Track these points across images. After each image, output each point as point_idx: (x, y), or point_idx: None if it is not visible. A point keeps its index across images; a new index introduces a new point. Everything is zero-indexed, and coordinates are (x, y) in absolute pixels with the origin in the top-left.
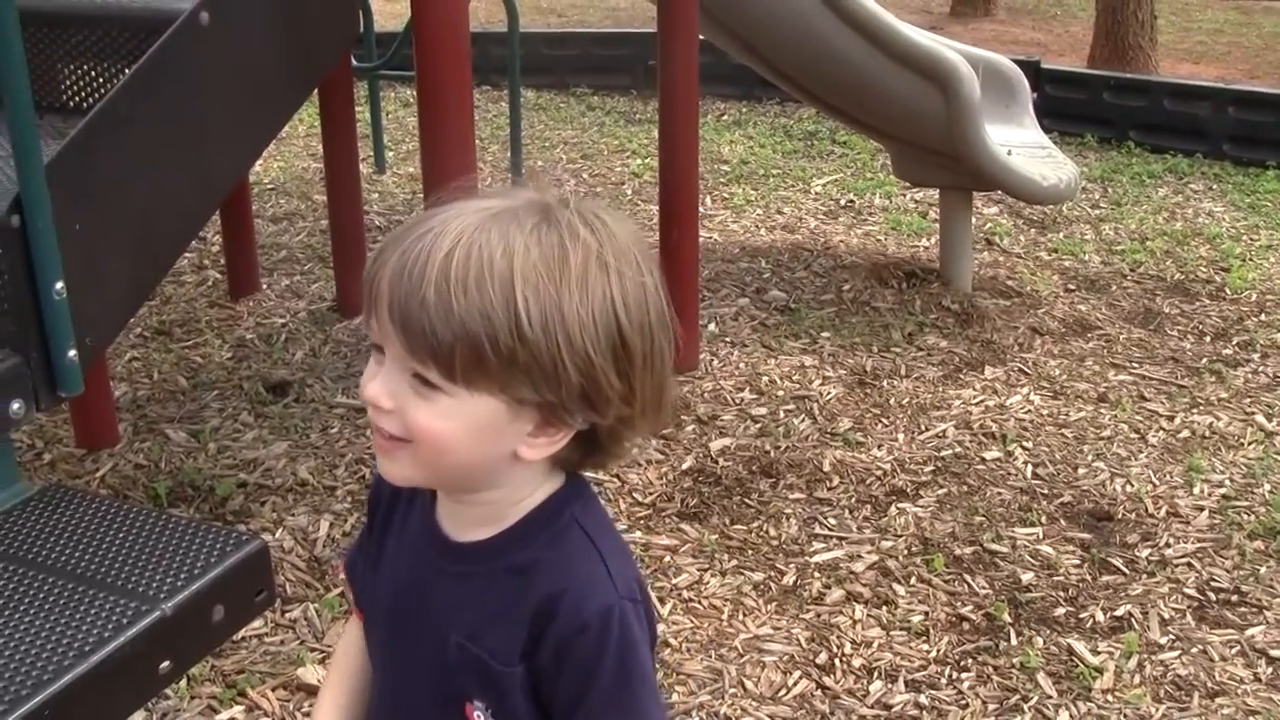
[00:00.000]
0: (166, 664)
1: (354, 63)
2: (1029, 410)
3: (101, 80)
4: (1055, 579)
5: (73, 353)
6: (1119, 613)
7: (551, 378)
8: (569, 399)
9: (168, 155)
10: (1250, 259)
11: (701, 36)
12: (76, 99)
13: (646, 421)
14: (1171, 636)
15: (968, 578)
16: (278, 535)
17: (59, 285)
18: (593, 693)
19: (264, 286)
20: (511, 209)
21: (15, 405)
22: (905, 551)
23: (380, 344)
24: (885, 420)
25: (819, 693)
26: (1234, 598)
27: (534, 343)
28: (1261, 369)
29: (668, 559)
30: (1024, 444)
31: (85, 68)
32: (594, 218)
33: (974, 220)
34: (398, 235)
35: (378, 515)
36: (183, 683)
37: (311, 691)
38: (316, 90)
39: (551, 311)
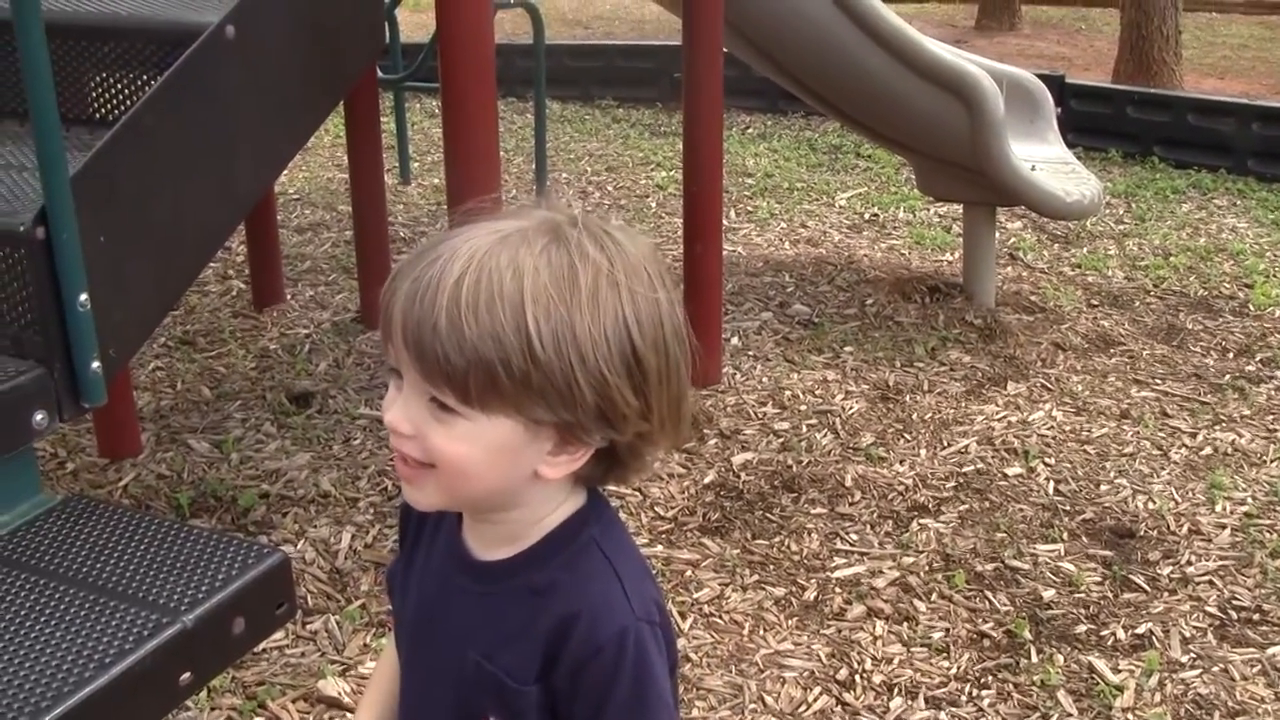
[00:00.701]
0: (187, 676)
1: (380, 74)
2: (1051, 426)
3: (128, 93)
4: (1076, 596)
5: (96, 364)
6: (1140, 631)
7: (567, 398)
8: (585, 418)
9: (193, 168)
10: (1274, 275)
11: (726, 50)
12: (103, 111)
13: (665, 436)
14: (1193, 655)
15: (989, 594)
16: (299, 547)
17: (83, 297)
18: (605, 716)
19: (288, 297)
20: (522, 230)
21: (39, 416)
22: (926, 568)
23: (397, 369)
24: (907, 435)
25: (839, 709)
26: (1255, 616)
27: (547, 364)
28: None
29: (689, 573)
30: (1046, 460)
31: (112, 80)
32: (604, 235)
33: (997, 235)
34: (410, 262)
35: (409, 531)
36: (203, 694)
37: (332, 704)
38: (342, 101)
39: (563, 332)
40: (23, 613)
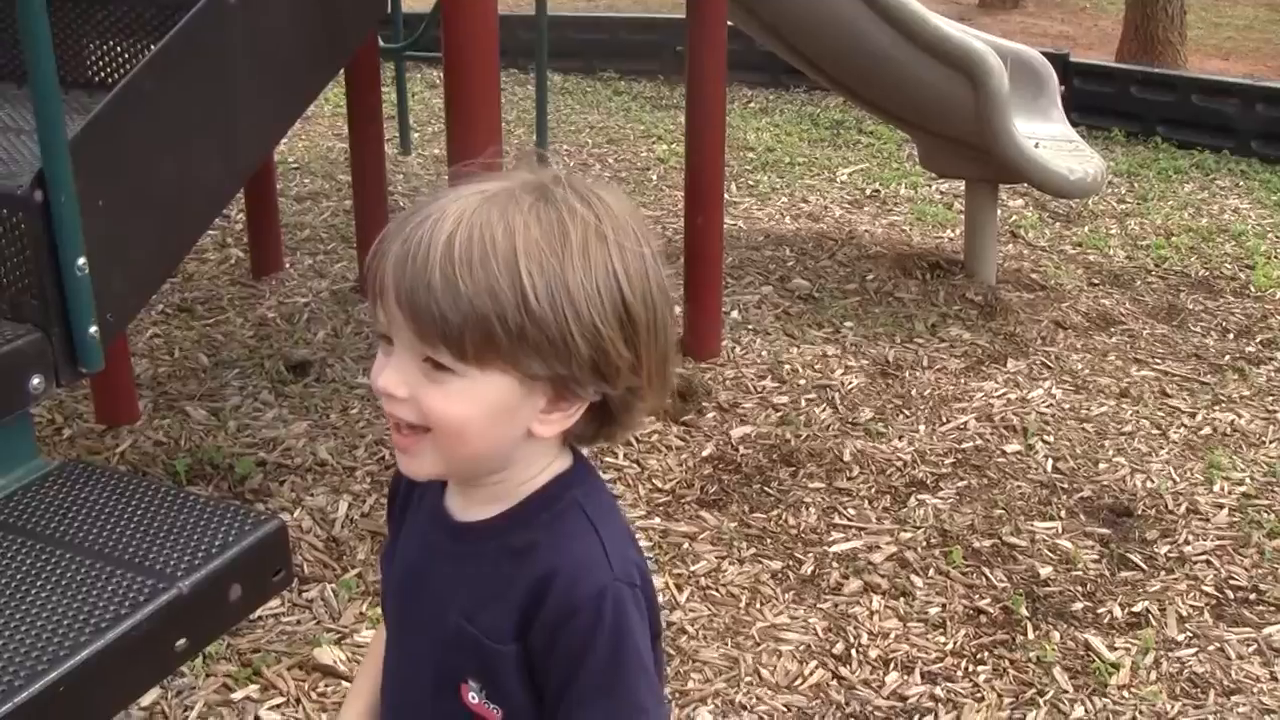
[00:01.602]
0: (183, 642)
1: (381, 43)
2: (1050, 404)
3: (127, 56)
4: (1073, 574)
5: (94, 329)
6: (1136, 609)
7: (561, 351)
8: (580, 371)
9: (192, 133)
10: (1275, 256)
11: (730, 23)
12: (102, 75)
13: (653, 391)
14: (1189, 634)
15: (986, 571)
16: (296, 515)
17: (81, 261)
18: (581, 676)
19: (287, 265)
20: (508, 189)
21: (35, 380)
22: (924, 543)
23: (388, 334)
24: (906, 411)
25: (835, 683)
26: (1252, 596)
27: (541, 317)
28: None
29: (686, 546)
30: (1045, 438)
31: (112, 43)
32: (590, 193)
33: (999, 213)
34: (397, 225)
35: (397, 503)
36: (198, 661)
37: (327, 672)
38: (343, 70)
39: (556, 285)
40: (19, 577)
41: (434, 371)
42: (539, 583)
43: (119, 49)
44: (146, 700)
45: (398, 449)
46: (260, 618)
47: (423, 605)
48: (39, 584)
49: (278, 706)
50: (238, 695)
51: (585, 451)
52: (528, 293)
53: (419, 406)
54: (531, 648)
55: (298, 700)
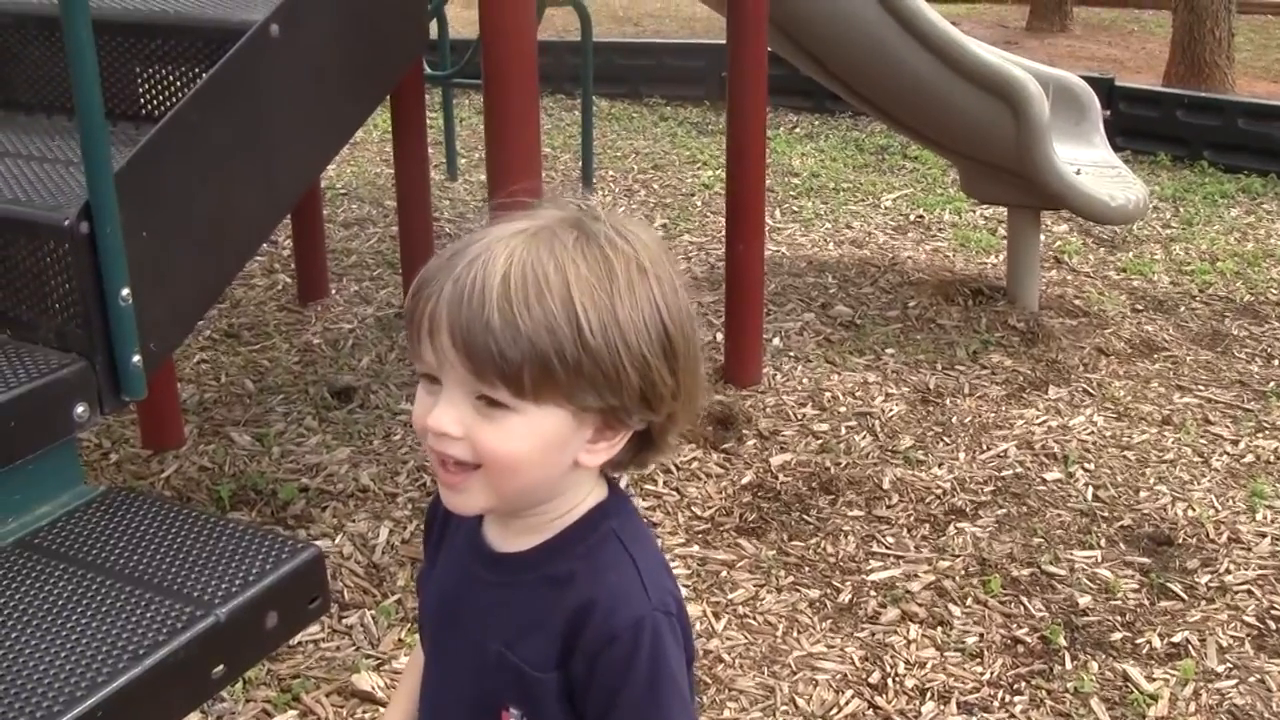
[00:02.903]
0: (220, 668)
1: (427, 70)
2: (1092, 431)
3: (174, 89)
4: (1113, 603)
5: (137, 358)
6: (1176, 639)
7: (614, 382)
8: (629, 401)
9: (236, 164)
10: None
11: (771, 50)
12: (149, 106)
13: (686, 414)
14: (1229, 665)
15: (1024, 600)
16: (337, 541)
17: (125, 291)
18: (620, 703)
19: (333, 291)
20: (547, 228)
21: (80, 409)
22: (962, 572)
23: (434, 374)
24: (947, 439)
25: (871, 712)
26: None
27: (597, 350)
28: None
29: (724, 574)
30: (1085, 465)
31: (159, 76)
32: (624, 227)
33: (1042, 238)
34: (439, 265)
35: (433, 533)
36: (238, 686)
37: (366, 698)
38: (390, 96)
39: (608, 319)
40: (60, 602)
41: (487, 409)
42: (578, 612)
43: (165, 81)
44: None
45: (445, 486)
46: (300, 643)
47: (462, 633)
48: (80, 609)
49: None
50: None
51: (623, 480)
52: (583, 327)
53: (474, 444)
54: (572, 675)
55: None
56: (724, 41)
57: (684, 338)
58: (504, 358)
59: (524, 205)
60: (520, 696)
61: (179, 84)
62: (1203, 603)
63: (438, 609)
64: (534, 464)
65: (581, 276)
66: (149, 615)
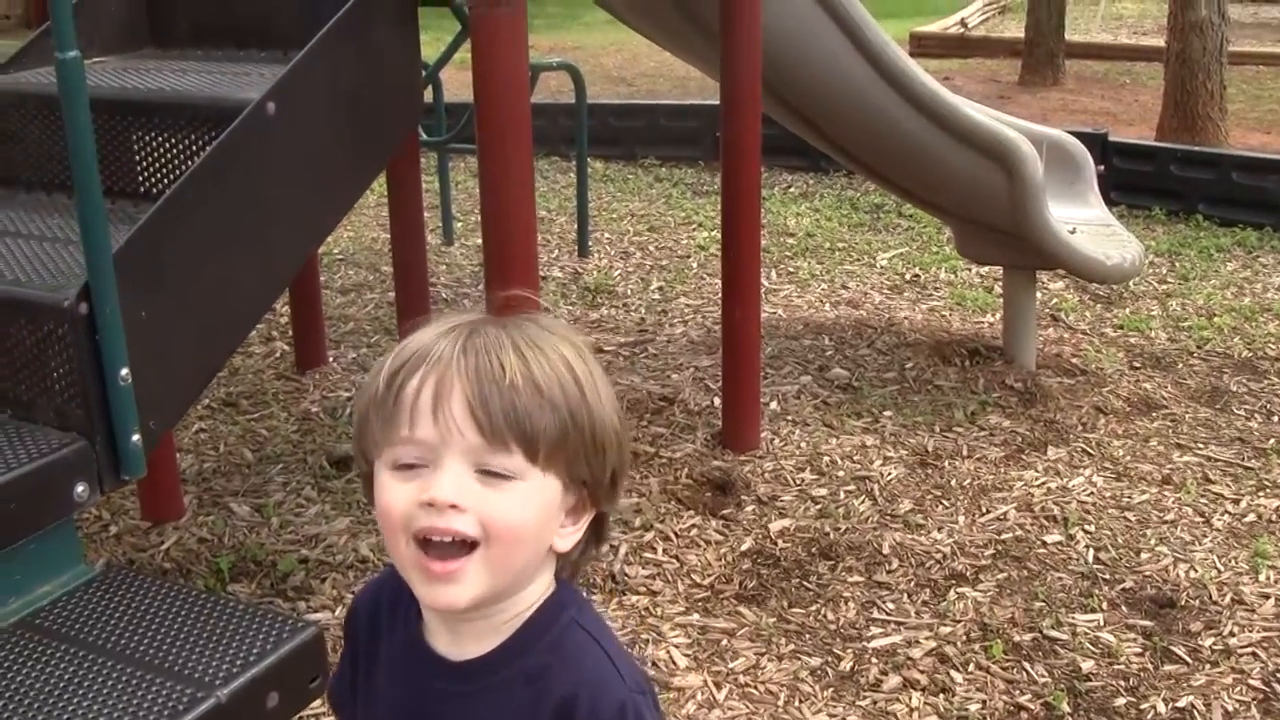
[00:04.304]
0: None
1: (423, 135)
2: (1091, 492)
3: (172, 166)
4: (1116, 668)
5: (136, 437)
6: (1181, 704)
7: (600, 454)
8: (603, 475)
9: (234, 242)
10: None
11: (765, 112)
12: (147, 185)
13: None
14: None
15: (1026, 665)
16: (338, 613)
17: (124, 371)
18: None
19: (330, 359)
20: (487, 321)
21: (80, 488)
22: (964, 637)
23: (419, 458)
24: (946, 502)
25: None
26: None
27: (596, 419)
28: None
29: (725, 642)
30: (1086, 527)
31: (157, 154)
32: (553, 321)
33: (1039, 296)
34: (424, 345)
35: (359, 646)
36: None
37: None
38: None
39: (604, 390)
40: (62, 684)
41: (491, 480)
42: (561, 705)
43: (163, 159)
44: None
45: (434, 580)
46: (300, 718)
47: None
48: (82, 691)
49: None
50: None
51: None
52: (587, 394)
53: (481, 514)
54: None
55: None
56: (718, 102)
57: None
58: (528, 418)
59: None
60: None
61: (177, 162)
62: (1207, 666)
63: None
64: (533, 534)
65: (572, 350)
66: (150, 697)
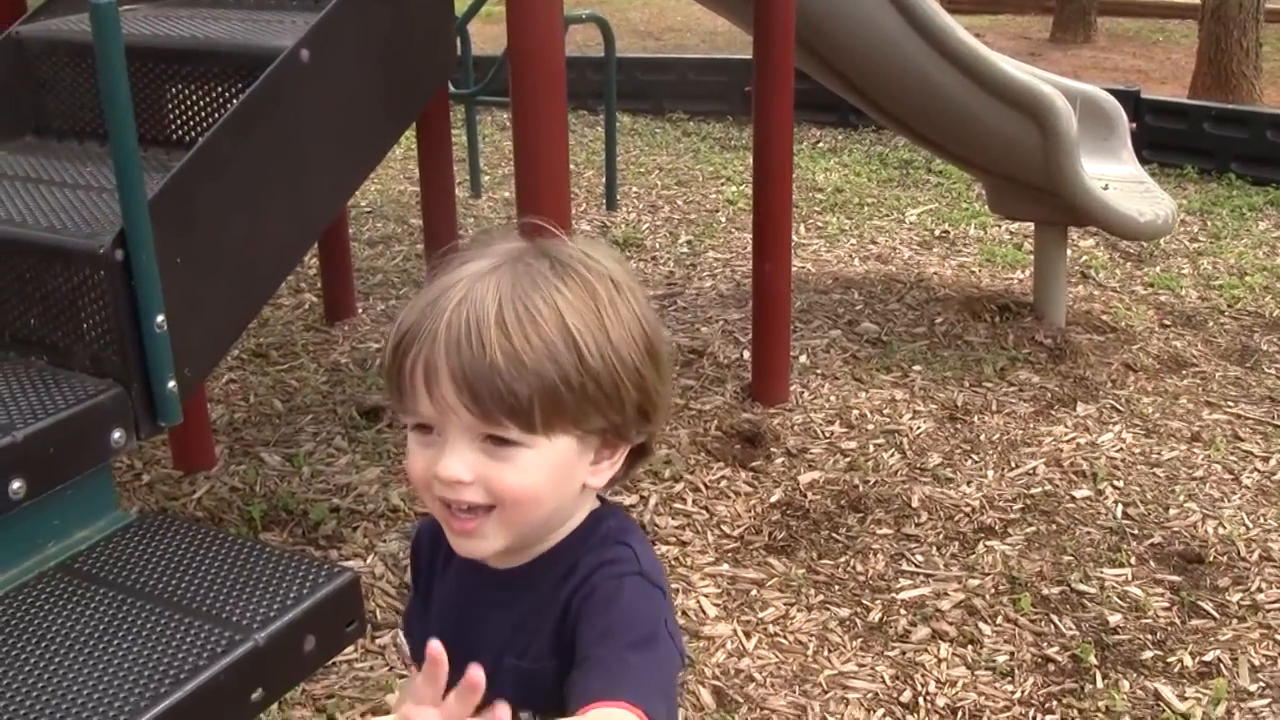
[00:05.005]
0: (258, 692)
1: (451, 88)
2: (1121, 448)
3: (205, 115)
4: (1143, 621)
5: (172, 384)
6: (1208, 658)
7: (615, 400)
8: (630, 416)
9: (268, 190)
10: None
11: (796, 66)
12: (180, 132)
13: (666, 413)
14: (1261, 684)
15: (1054, 618)
16: (369, 561)
17: (160, 318)
18: (601, 624)
19: (359, 311)
20: (519, 260)
21: (117, 434)
22: (992, 590)
23: (429, 423)
24: (975, 456)
25: None
26: None
27: (598, 372)
28: None
29: (754, 592)
30: (1115, 483)
31: (190, 102)
32: (588, 250)
33: (1069, 253)
34: (421, 314)
35: (421, 572)
36: (274, 706)
37: None
38: None
39: (602, 340)
40: (101, 627)
41: (496, 448)
42: (574, 588)
43: (197, 107)
44: None
45: (457, 534)
46: (334, 664)
47: (474, 657)
48: (121, 634)
49: None
50: None
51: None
52: (583, 351)
53: (488, 486)
54: (565, 643)
55: None
56: (747, 56)
57: (661, 342)
58: (513, 395)
59: (563, 228)
60: (527, 697)
61: (209, 110)
62: (1234, 621)
63: (444, 637)
64: (548, 495)
65: (569, 302)
66: (189, 640)
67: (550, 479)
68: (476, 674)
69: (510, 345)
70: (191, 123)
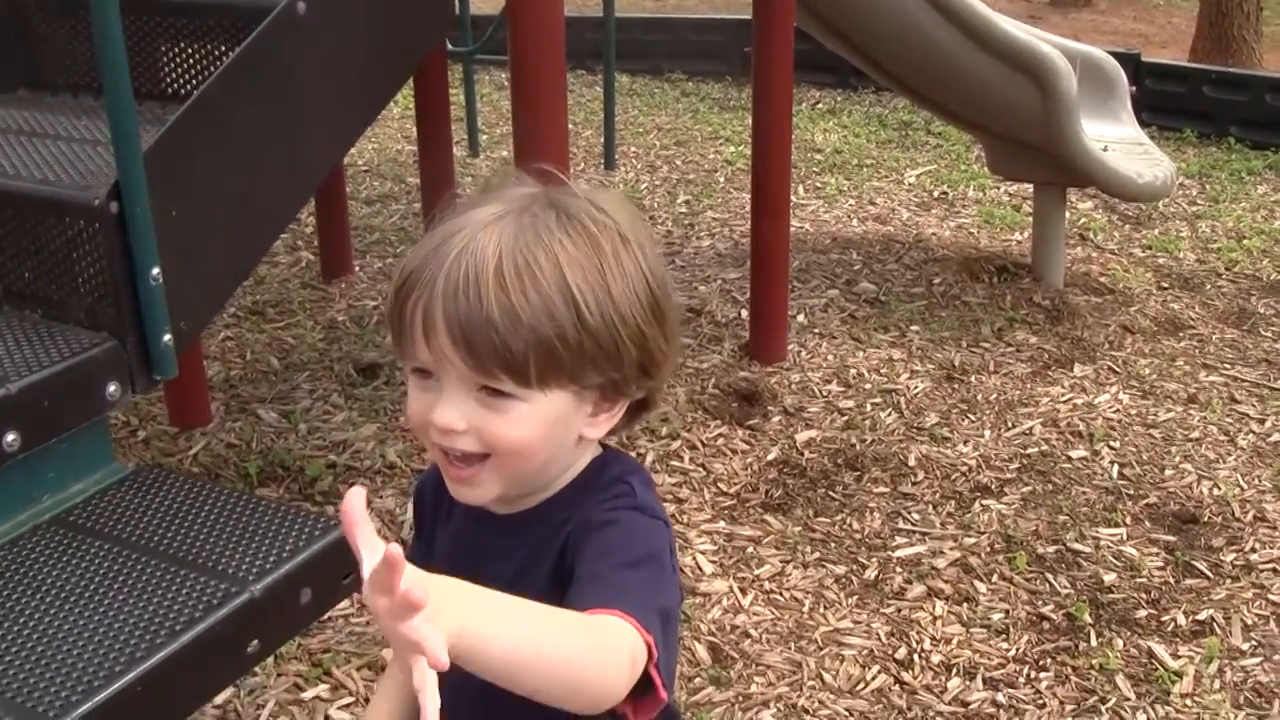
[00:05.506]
0: (255, 644)
1: (449, 47)
2: (1117, 409)
3: (200, 68)
4: (1138, 581)
5: (168, 337)
6: (1201, 617)
7: (614, 357)
8: (630, 373)
9: (264, 143)
10: None
11: (796, 25)
12: (175, 85)
13: (671, 368)
14: (1254, 643)
15: (1049, 577)
16: None
17: (155, 271)
18: (599, 547)
19: (356, 269)
20: (526, 209)
21: (112, 388)
22: (988, 549)
23: (429, 368)
24: (972, 416)
25: (897, 688)
26: None
27: (596, 329)
28: None
29: (751, 550)
30: (1111, 443)
31: (185, 55)
32: (599, 200)
33: (1068, 215)
34: (424, 260)
35: (424, 520)
36: (270, 660)
37: None
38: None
39: (603, 296)
40: (97, 579)
41: (491, 399)
42: (577, 523)
43: (192, 60)
44: (220, 700)
45: (454, 481)
46: (330, 618)
47: None
48: (117, 586)
49: (347, 706)
50: (308, 695)
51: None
52: (581, 308)
53: (481, 436)
54: (565, 577)
55: (366, 700)
56: (746, 16)
57: (668, 298)
58: (508, 350)
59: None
60: None
61: (205, 63)
62: (1228, 581)
63: None
64: (542, 447)
65: (572, 257)
66: (185, 592)
67: (545, 432)
68: (394, 551)
69: (507, 299)
70: (187, 76)
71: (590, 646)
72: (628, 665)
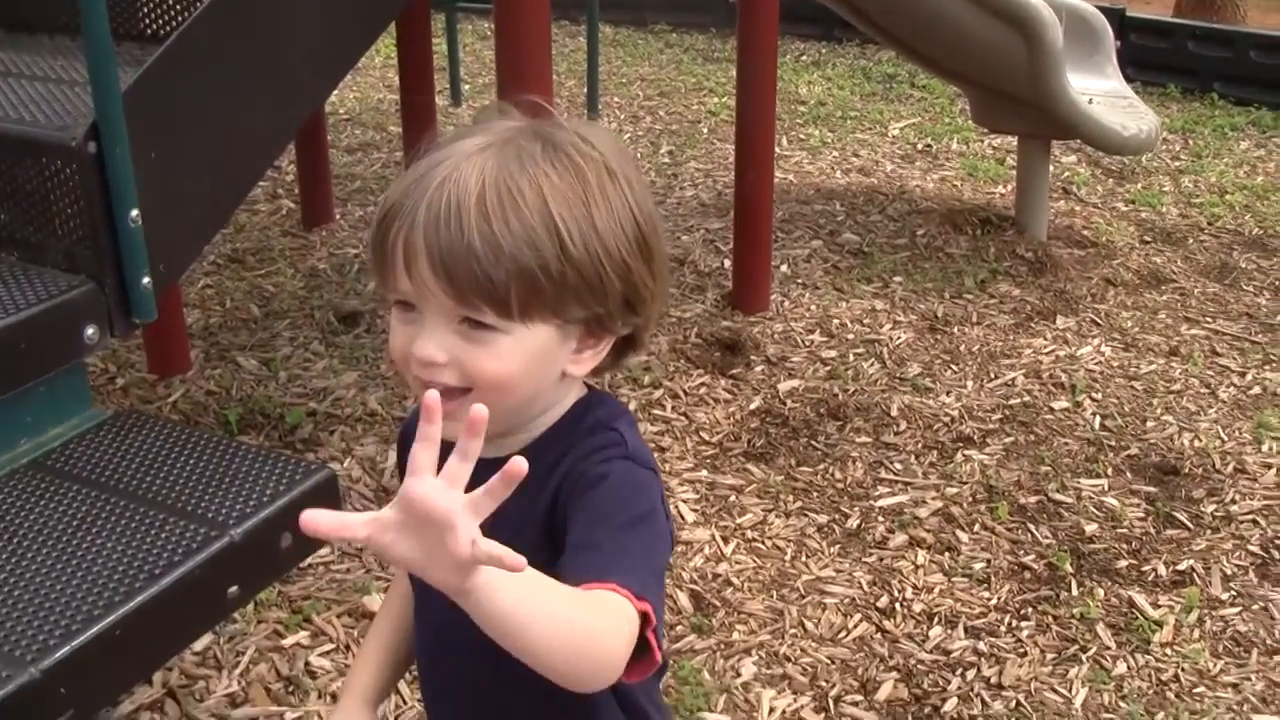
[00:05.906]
0: (234, 589)
1: None
2: (1099, 361)
3: (179, 8)
4: (1119, 531)
5: (147, 280)
6: (1181, 567)
7: (598, 291)
8: (614, 307)
9: (245, 84)
10: None
11: None
12: (154, 27)
13: (659, 308)
14: (1233, 593)
15: (1031, 527)
16: (346, 465)
17: (134, 213)
18: (590, 508)
19: (337, 217)
20: (511, 140)
21: (90, 331)
22: (970, 499)
23: (411, 301)
24: (955, 367)
25: (878, 636)
26: None
27: (580, 261)
28: None
29: (733, 498)
30: (1093, 395)
31: None
32: (587, 134)
33: (1051, 169)
34: (406, 190)
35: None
36: (250, 607)
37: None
38: (393, 22)
39: (587, 228)
40: (75, 523)
41: (473, 331)
42: (564, 472)
43: (171, 1)
44: (199, 645)
45: (445, 416)
46: (311, 565)
47: None
48: (95, 530)
49: (327, 653)
50: (288, 641)
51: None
52: (564, 239)
53: (462, 369)
54: (556, 531)
55: (347, 647)
56: None
57: (656, 235)
58: (489, 280)
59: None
60: None
61: (184, 4)
62: (1208, 532)
63: None
64: (524, 381)
65: (556, 188)
66: (164, 536)
67: (526, 366)
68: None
69: (489, 229)
70: (165, 18)
71: (591, 624)
72: (624, 645)
